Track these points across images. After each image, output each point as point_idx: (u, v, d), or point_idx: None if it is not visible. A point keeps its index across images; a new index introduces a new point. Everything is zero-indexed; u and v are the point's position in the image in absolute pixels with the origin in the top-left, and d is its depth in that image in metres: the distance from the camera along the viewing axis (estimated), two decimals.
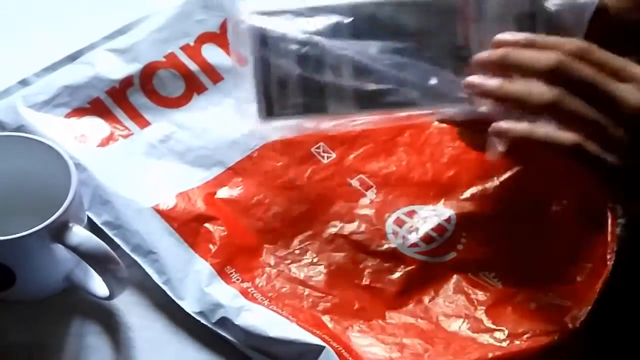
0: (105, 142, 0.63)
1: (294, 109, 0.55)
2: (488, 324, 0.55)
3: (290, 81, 0.55)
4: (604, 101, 0.49)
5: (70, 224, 0.54)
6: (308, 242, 0.59)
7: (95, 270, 0.54)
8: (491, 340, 0.54)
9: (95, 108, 0.64)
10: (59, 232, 0.54)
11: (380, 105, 0.55)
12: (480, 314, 0.55)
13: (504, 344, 0.54)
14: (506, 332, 0.54)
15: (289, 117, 0.55)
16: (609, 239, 0.58)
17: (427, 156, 0.63)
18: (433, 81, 0.54)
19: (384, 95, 0.54)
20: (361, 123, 0.57)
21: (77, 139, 0.62)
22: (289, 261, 0.58)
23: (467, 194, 0.61)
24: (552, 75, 0.49)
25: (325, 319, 0.55)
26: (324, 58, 0.54)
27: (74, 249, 0.53)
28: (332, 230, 0.59)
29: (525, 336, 0.54)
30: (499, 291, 0.56)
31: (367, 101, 0.55)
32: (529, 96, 0.49)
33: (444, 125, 0.64)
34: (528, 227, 0.59)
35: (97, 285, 0.55)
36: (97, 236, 0.54)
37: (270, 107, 0.55)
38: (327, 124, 0.56)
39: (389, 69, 0.54)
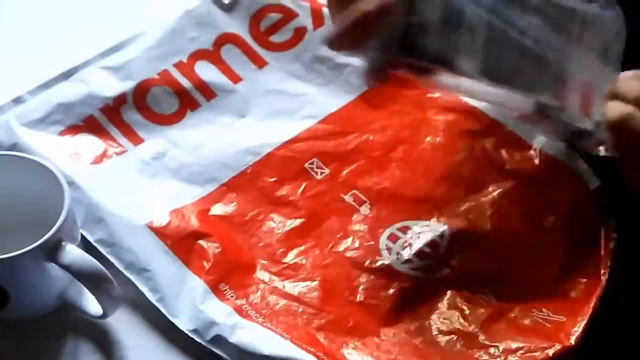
0: (99, 160, 0.60)
1: (423, 54, 0.49)
2: (482, 340, 0.52)
3: (431, 27, 0.48)
4: None
5: (64, 243, 0.51)
6: (302, 257, 0.57)
7: (89, 289, 0.51)
8: (485, 357, 0.52)
9: (89, 126, 0.61)
10: (52, 251, 0.51)
11: (503, 79, 0.50)
12: (475, 330, 0.53)
13: None
14: (500, 348, 0.52)
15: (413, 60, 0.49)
16: (603, 254, 0.56)
17: (420, 172, 0.61)
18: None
19: (511, 71, 0.50)
20: (471, 92, 0.53)
21: (70, 156, 0.60)
22: (283, 277, 0.55)
23: (460, 209, 0.58)
24: None
25: (320, 336, 0.52)
26: (465, 14, 0.48)
27: (67, 268, 0.51)
28: (326, 246, 0.57)
29: (520, 352, 0.52)
30: (493, 307, 0.54)
31: (494, 72, 0.49)
32: None
33: (437, 139, 0.62)
34: (521, 242, 0.57)
35: (91, 304, 0.53)
36: (91, 254, 0.52)
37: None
38: (442, 81, 0.51)
39: (532, 43, 0.49)
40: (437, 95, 0.64)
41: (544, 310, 0.54)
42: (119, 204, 0.57)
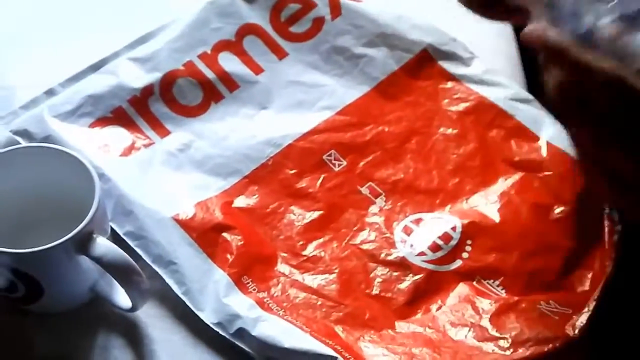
0: (127, 152, 0.60)
1: None
2: (492, 332, 0.53)
3: None
4: None
5: (95, 235, 0.52)
6: (321, 250, 0.57)
7: (118, 282, 0.52)
8: (495, 349, 0.52)
9: (118, 117, 0.62)
10: (83, 243, 0.51)
11: None
12: (485, 322, 0.53)
13: (508, 352, 0.52)
14: (510, 340, 0.52)
15: None
16: (607, 247, 0.56)
17: (433, 163, 0.61)
18: None
19: None
20: None
21: (100, 148, 0.60)
22: (302, 270, 0.56)
23: (472, 201, 0.59)
24: None
25: (338, 329, 0.53)
26: None
27: (98, 260, 0.51)
28: (344, 238, 0.57)
29: (528, 344, 0.52)
30: (503, 299, 0.54)
31: None
32: None
33: (450, 131, 0.62)
34: (529, 234, 0.57)
35: (121, 297, 0.53)
36: (120, 247, 0.52)
37: None
38: None
39: None
40: (449, 85, 0.64)
41: (551, 302, 0.54)
42: (147, 197, 0.58)
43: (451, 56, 0.65)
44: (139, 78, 0.63)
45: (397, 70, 0.64)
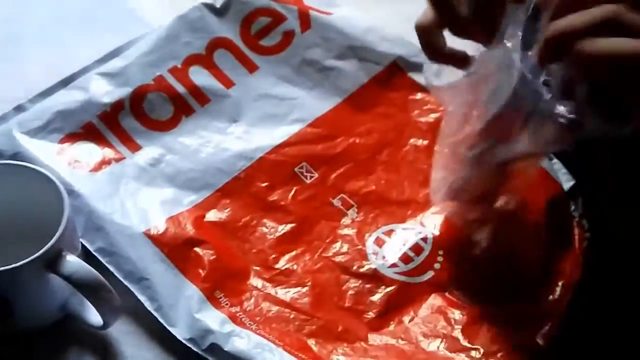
0: (98, 167, 0.58)
1: None
2: (464, 343, 0.52)
3: None
4: None
5: (64, 253, 0.50)
6: (293, 263, 0.55)
7: (89, 300, 0.50)
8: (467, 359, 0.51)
9: (88, 133, 0.60)
10: (52, 261, 0.49)
11: None
12: (457, 333, 0.52)
13: None
14: (481, 350, 0.51)
15: None
16: (577, 253, 0.55)
17: (403, 175, 0.59)
18: None
19: None
20: None
21: (70, 164, 0.58)
22: (275, 283, 0.54)
23: (442, 212, 0.57)
24: None
25: (311, 342, 0.51)
26: None
27: (67, 279, 0.49)
28: (317, 250, 0.56)
29: (499, 354, 0.51)
30: (474, 310, 0.53)
31: None
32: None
33: (420, 142, 0.61)
34: (501, 245, 0.56)
35: (92, 315, 0.51)
36: (92, 263, 0.50)
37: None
38: None
39: None
40: (419, 96, 0.63)
41: (521, 312, 0.53)
42: (118, 212, 0.56)
43: (421, 67, 0.63)
44: (109, 93, 0.61)
45: (367, 82, 0.63)
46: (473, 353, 0.51)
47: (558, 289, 0.54)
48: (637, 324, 0.52)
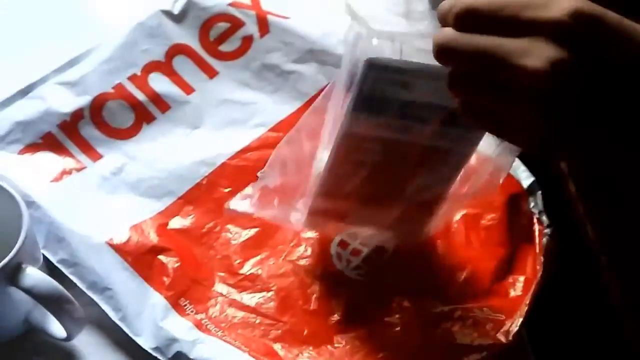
0: (58, 178, 0.58)
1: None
2: (428, 343, 0.52)
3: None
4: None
5: (24, 265, 0.49)
6: (258, 268, 0.55)
7: (50, 312, 0.49)
8: (430, 359, 0.51)
9: (48, 143, 0.59)
10: (12, 274, 0.49)
11: None
12: (420, 332, 0.52)
13: None
14: (444, 347, 0.51)
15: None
16: (537, 250, 0.56)
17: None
18: None
19: None
20: None
21: (30, 175, 0.57)
22: (240, 289, 0.54)
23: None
24: None
25: (277, 347, 0.51)
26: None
27: (28, 291, 0.49)
28: (281, 255, 0.56)
29: (462, 352, 0.51)
30: (437, 309, 0.53)
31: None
32: None
33: None
34: (463, 243, 0.56)
35: (55, 327, 0.50)
36: (54, 275, 0.50)
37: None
38: None
39: None
40: None
41: (484, 309, 0.53)
42: (80, 222, 0.55)
43: None
44: (68, 102, 0.60)
45: (327, 85, 0.63)
46: (434, 352, 0.51)
47: (520, 285, 0.54)
48: (597, 318, 0.53)
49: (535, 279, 0.54)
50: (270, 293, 0.54)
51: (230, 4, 0.64)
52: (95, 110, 0.60)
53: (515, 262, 0.55)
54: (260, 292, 0.54)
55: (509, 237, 0.56)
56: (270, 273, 0.55)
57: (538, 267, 0.55)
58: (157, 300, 0.52)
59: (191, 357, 0.50)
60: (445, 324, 0.52)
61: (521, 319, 0.52)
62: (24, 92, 0.61)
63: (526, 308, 0.53)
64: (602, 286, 0.50)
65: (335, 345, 0.52)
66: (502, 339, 0.51)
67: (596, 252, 0.50)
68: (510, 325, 0.52)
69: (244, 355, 0.50)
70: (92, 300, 0.52)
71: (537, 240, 0.56)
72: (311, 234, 0.56)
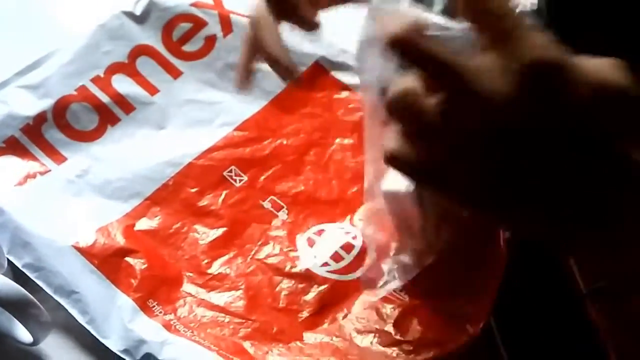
0: (22, 181, 0.57)
1: None
2: (396, 336, 0.51)
3: None
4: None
5: None
6: (226, 267, 0.55)
7: (16, 317, 0.48)
8: (399, 353, 0.51)
9: (11, 147, 0.58)
10: None
11: None
12: (389, 327, 0.52)
13: (411, 356, 0.51)
14: (413, 343, 0.51)
15: None
16: (502, 245, 0.56)
17: (332, 173, 0.59)
18: None
19: None
20: None
21: None
22: (209, 288, 0.54)
23: (370, 209, 0.57)
24: None
25: (246, 345, 0.51)
26: None
27: None
28: (249, 253, 0.55)
29: (431, 346, 0.51)
30: (406, 304, 0.53)
31: None
32: None
33: (346, 141, 0.60)
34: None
35: (21, 332, 0.50)
36: (21, 280, 0.49)
37: None
38: None
39: None
40: (344, 95, 0.62)
41: (452, 302, 0.53)
42: (45, 226, 0.54)
43: (343, 66, 0.64)
44: (30, 105, 0.59)
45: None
46: (405, 346, 0.51)
47: (486, 279, 0.54)
48: (561, 305, 0.53)
49: (501, 271, 0.54)
50: (239, 292, 0.53)
51: (192, 4, 0.63)
52: (59, 113, 0.59)
53: (480, 255, 0.55)
54: (229, 291, 0.54)
55: (477, 233, 0.56)
56: (239, 272, 0.54)
57: (503, 261, 0.55)
58: (124, 302, 0.52)
59: (160, 358, 0.50)
60: (413, 318, 0.52)
61: (488, 311, 0.52)
62: None
63: (493, 300, 0.53)
64: (565, 275, 0.50)
65: (305, 341, 0.51)
66: (470, 330, 0.51)
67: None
68: (478, 317, 0.52)
69: (213, 355, 0.50)
70: (59, 304, 0.52)
71: (500, 234, 0.56)
72: (279, 232, 0.56)
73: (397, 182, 0.48)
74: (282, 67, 0.47)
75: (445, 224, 0.51)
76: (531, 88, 0.33)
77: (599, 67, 0.33)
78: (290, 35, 0.63)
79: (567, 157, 0.34)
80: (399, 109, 0.35)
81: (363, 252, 0.55)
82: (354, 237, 0.55)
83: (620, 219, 0.35)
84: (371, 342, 0.51)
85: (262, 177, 0.59)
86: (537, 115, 0.33)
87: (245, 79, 0.48)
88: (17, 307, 0.48)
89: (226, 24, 0.63)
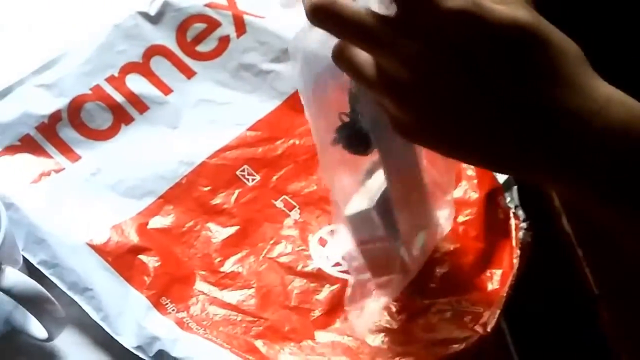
0: (37, 179, 0.57)
1: None
2: (407, 336, 0.52)
3: None
4: None
5: (3, 266, 0.48)
6: (239, 265, 0.55)
7: (31, 312, 0.49)
8: (410, 352, 0.51)
9: (27, 145, 0.58)
10: None
11: None
12: (400, 326, 0.52)
13: (422, 355, 0.51)
14: (423, 342, 0.51)
15: None
16: (514, 244, 0.56)
17: None
18: None
19: None
20: None
21: (9, 177, 0.57)
22: (221, 287, 0.54)
23: None
24: None
25: (258, 343, 0.51)
26: None
27: (8, 292, 0.48)
28: (261, 252, 0.55)
29: (441, 345, 0.51)
30: (417, 303, 0.53)
31: None
32: None
33: None
34: (440, 240, 0.56)
35: (36, 328, 0.50)
36: (35, 276, 0.49)
37: None
38: None
39: None
40: None
41: (462, 302, 0.53)
42: (59, 224, 0.55)
43: None
44: (46, 104, 0.60)
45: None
46: (415, 346, 0.51)
47: (497, 279, 0.54)
48: (573, 308, 0.53)
49: (512, 271, 0.55)
50: (251, 290, 0.54)
51: (206, 5, 0.64)
52: (73, 112, 0.60)
53: (492, 256, 0.56)
54: (241, 289, 0.54)
55: (486, 232, 0.57)
56: (251, 270, 0.55)
57: (515, 261, 0.55)
58: (138, 299, 0.52)
59: (173, 355, 0.50)
60: (424, 317, 0.53)
61: (499, 311, 0.53)
62: (2, 94, 0.60)
63: (503, 300, 0.53)
64: (577, 276, 0.50)
65: (317, 340, 0.52)
66: (480, 330, 0.52)
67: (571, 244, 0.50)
68: (488, 318, 0.52)
69: (225, 353, 0.50)
70: (73, 300, 0.52)
71: (513, 234, 0.56)
72: (291, 232, 0.56)
73: (360, 203, 0.49)
74: None
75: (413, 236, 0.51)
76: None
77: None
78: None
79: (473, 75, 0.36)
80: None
81: None
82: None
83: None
84: (382, 342, 0.52)
85: (275, 177, 0.59)
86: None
87: None
88: (33, 303, 0.48)
89: (240, 25, 0.64)
